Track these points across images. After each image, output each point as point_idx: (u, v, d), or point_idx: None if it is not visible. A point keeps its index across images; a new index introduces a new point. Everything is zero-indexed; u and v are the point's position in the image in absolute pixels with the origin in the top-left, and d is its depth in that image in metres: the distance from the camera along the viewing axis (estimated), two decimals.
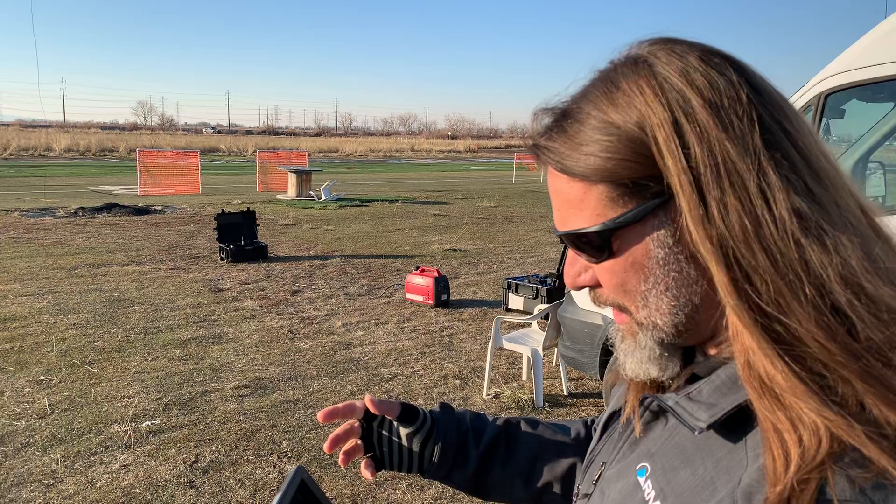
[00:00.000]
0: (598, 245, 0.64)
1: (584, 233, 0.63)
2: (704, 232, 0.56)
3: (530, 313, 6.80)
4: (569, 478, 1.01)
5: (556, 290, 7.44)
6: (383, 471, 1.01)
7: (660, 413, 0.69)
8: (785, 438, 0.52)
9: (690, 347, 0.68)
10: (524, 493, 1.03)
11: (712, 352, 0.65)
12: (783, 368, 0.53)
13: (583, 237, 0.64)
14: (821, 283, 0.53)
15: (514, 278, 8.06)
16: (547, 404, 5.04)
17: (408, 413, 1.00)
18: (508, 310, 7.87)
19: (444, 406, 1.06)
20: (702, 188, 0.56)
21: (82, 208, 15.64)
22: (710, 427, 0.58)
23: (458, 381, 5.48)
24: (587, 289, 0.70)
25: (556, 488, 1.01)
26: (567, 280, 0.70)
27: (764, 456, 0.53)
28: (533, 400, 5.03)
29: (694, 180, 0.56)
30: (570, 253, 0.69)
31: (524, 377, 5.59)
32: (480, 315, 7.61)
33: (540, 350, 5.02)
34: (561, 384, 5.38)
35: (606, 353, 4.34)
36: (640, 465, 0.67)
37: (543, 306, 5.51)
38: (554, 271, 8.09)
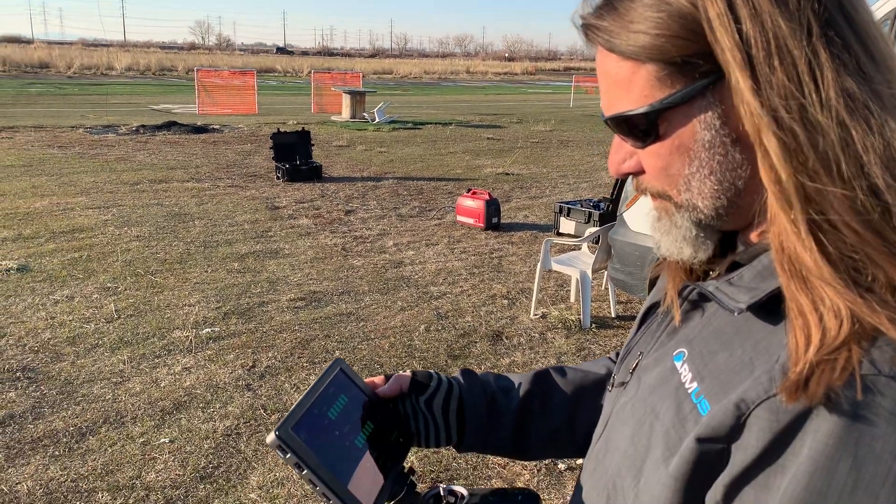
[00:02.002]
0: (644, 127, 0.63)
1: (631, 115, 0.63)
2: (751, 108, 0.55)
3: (581, 237, 6.77)
4: None
5: (608, 215, 7.35)
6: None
7: (699, 302, 0.70)
8: (808, 320, 0.53)
9: (732, 236, 0.69)
10: (569, 440, 1.00)
11: (754, 239, 0.66)
12: (813, 249, 0.53)
13: (629, 120, 0.64)
14: (860, 163, 0.52)
15: (567, 202, 7.99)
16: (594, 325, 5.07)
17: (421, 382, 0.98)
18: (559, 234, 7.84)
19: (466, 371, 1.03)
20: (752, 64, 0.55)
21: (143, 126, 15.99)
22: (749, 308, 0.59)
23: (505, 301, 5.55)
24: (630, 176, 0.70)
25: None
26: (611, 167, 0.71)
27: (788, 337, 0.54)
28: (580, 321, 5.07)
29: (745, 56, 0.55)
30: (616, 140, 0.69)
31: (572, 299, 5.62)
32: (531, 238, 7.61)
33: (589, 272, 5.02)
34: (609, 307, 5.39)
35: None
36: (677, 351, 0.68)
37: (594, 229, 5.47)
38: (608, 196, 7.97)
